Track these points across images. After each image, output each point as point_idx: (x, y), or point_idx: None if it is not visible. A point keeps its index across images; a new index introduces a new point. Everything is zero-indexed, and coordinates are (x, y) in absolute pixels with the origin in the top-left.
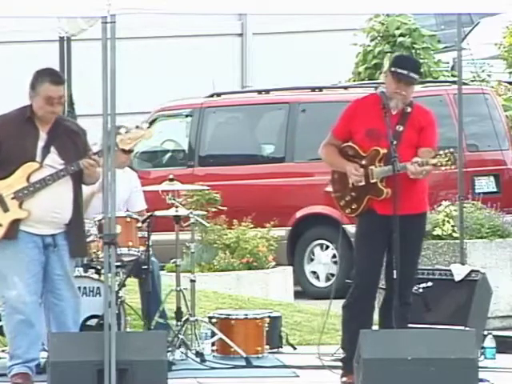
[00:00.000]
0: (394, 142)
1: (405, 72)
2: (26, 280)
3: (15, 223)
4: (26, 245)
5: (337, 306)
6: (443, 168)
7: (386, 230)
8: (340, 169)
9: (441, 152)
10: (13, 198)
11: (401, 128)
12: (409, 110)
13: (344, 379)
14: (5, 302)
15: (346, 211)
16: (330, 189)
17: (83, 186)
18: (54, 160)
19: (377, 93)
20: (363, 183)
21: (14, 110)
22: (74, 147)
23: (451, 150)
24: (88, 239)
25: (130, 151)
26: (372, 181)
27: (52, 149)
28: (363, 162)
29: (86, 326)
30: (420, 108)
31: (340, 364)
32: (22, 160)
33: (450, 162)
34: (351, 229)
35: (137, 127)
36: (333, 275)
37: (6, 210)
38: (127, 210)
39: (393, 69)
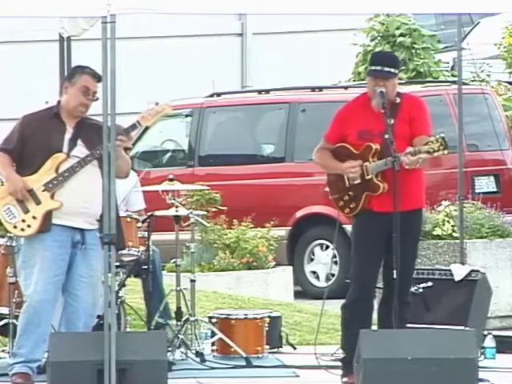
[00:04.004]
0: (391, 141)
1: (378, 68)
2: (47, 279)
3: (48, 215)
4: (53, 243)
5: (337, 305)
6: (436, 154)
7: (384, 228)
8: (335, 170)
9: (432, 138)
10: (44, 191)
11: (392, 121)
12: (398, 100)
13: (345, 380)
14: (25, 300)
15: (345, 211)
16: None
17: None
18: (81, 152)
19: (366, 92)
20: (359, 181)
21: (42, 109)
22: (100, 140)
23: (441, 135)
24: None
25: (128, 149)
26: (367, 177)
27: (79, 142)
28: (357, 160)
29: None
30: (409, 97)
31: (339, 364)
32: (48, 154)
33: (441, 147)
34: (351, 228)
35: (156, 104)
36: (333, 275)
37: (38, 202)
38: (127, 210)
39: (368, 68)
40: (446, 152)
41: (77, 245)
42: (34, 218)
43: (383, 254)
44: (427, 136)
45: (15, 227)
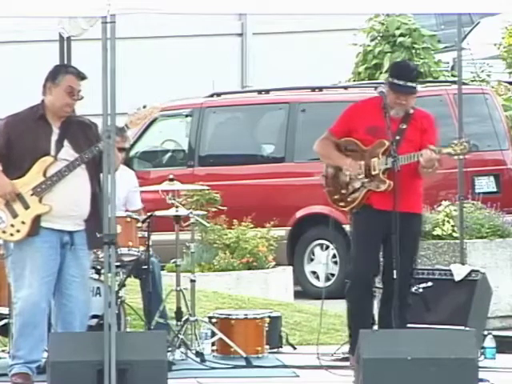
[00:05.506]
0: (397, 138)
1: (401, 83)
2: (40, 280)
3: (37, 219)
4: (43, 244)
5: (336, 305)
6: (456, 157)
7: (382, 227)
8: (336, 163)
9: (455, 141)
10: (32, 195)
11: (404, 126)
12: (411, 111)
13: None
14: (16, 301)
15: (339, 204)
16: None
17: None
18: (68, 153)
19: (378, 95)
20: (363, 176)
21: (25, 109)
22: (86, 140)
23: (467, 138)
24: None
25: (124, 149)
26: (374, 172)
27: (65, 143)
28: (365, 155)
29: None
30: (421, 111)
31: (339, 364)
32: (36, 156)
33: (465, 151)
34: (350, 226)
35: (144, 106)
36: (333, 275)
37: (26, 207)
38: (126, 210)
39: (390, 79)
40: (467, 156)
41: (66, 246)
42: (22, 222)
43: (380, 251)
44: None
45: (4, 232)
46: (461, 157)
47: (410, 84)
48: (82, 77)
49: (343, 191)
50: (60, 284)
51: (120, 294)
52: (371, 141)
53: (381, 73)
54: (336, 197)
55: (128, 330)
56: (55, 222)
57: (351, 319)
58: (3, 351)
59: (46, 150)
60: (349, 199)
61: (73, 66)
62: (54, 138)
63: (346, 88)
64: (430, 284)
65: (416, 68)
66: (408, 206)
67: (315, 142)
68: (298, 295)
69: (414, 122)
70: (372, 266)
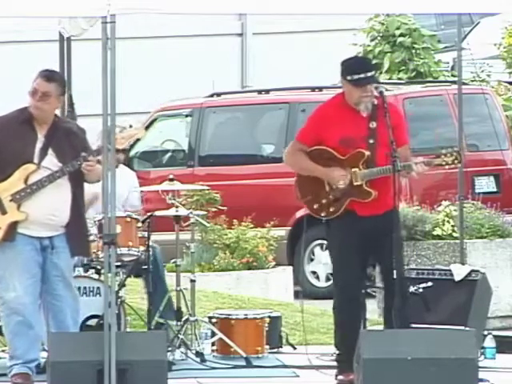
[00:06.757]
0: (371, 141)
1: (362, 75)
2: (25, 281)
3: (13, 225)
4: (24, 246)
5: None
6: (447, 167)
7: (366, 231)
8: (315, 174)
9: (443, 151)
10: (11, 201)
11: (374, 124)
12: (375, 102)
13: (340, 377)
14: (3, 303)
15: (320, 214)
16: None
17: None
18: (52, 162)
19: (342, 93)
20: (343, 186)
21: (12, 111)
22: (71, 149)
23: (455, 148)
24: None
25: (124, 150)
26: (356, 183)
27: (50, 151)
28: (344, 164)
29: (86, 325)
30: (392, 105)
31: (335, 364)
32: (19, 162)
33: (456, 161)
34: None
35: (130, 126)
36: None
37: (4, 212)
38: (125, 210)
39: (349, 77)
40: (459, 165)
41: (46, 249)
42: None
43: (364, 255)
44: (408, 146)
45: None
46: (452, 166)
47: (369, 74)
48: (48, 77)
49: (323, 201)
50: (47, 286)
51: (120, 294)
52: (347, 151)
53: (381, 73)
54: (316, 206)
55: (128, 330)
56: (32, 229)
57: (341, 339)
58: (3, 351)
59: (30, 157)
60: (331, 209)
61: (46, 70)
62: (39, 145)
63: None
64: (430, 284)
65: (367, 59)
66: (388, 205)
67: (284, 154)
68: (297, 295)
69: (382, 117)
70: (356, 277)
